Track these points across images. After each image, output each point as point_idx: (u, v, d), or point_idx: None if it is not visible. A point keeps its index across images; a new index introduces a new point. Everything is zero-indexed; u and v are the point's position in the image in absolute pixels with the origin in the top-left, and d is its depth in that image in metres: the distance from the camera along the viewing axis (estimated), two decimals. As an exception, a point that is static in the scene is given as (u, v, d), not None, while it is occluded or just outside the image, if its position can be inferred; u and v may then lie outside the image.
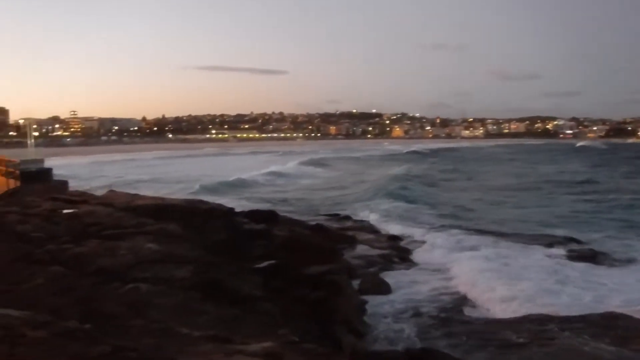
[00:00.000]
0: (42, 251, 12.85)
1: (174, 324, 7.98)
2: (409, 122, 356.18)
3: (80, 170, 68.58)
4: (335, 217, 32.89)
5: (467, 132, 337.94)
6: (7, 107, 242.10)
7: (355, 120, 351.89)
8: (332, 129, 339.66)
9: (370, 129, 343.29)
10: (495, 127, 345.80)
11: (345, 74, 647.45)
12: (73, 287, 10.48)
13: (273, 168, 69.48)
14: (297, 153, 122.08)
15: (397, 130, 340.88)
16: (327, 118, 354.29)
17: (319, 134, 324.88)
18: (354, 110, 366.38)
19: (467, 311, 16.24)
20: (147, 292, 10.56)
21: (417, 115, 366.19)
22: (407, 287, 18.53)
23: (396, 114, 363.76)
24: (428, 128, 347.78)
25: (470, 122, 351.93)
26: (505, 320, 15.05)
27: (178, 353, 6.23)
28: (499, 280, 18.07)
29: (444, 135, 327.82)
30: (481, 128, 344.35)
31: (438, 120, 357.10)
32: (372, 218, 32.14)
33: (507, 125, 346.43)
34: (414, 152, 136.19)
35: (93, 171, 70.50)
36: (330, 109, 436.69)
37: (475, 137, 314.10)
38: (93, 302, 9.58)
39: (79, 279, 11.18)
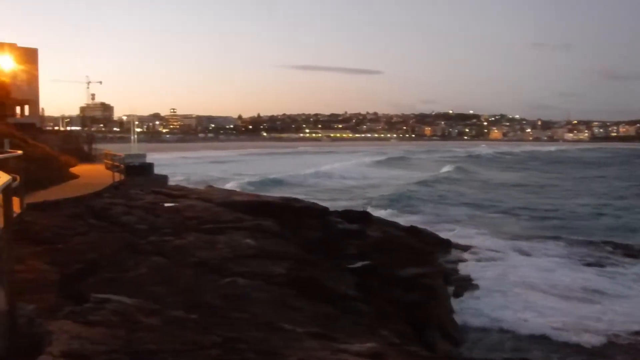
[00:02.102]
0: (145, 242, 13.38)
1: (275, 318, 8.07)
2: (507, 123, 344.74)
3: (176, 165, 71.20)
4: (429, 217, 32.37)
5: (570, 135, 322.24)
6: (112, 104, 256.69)
7: (451, 121, 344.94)
8: (427, 129, 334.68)
9: (467, 130, 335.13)
10: (602, 130, 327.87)
11: (442, 74, 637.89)
12: (174, 277, 10.84)
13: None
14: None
15: (495, 132, 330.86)
16: (422, 119, 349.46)
17: (413, 135, 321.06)
18: (450, 111, 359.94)
19: (573, 333, 15.23)
20: (245, 286, 10.77)
21: (517, 116, 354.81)
22: (505, 295, 17.83)
23: (494, 115, 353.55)
24: (528, 130, 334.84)
25: (575, 124, 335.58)
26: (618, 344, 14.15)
27: (284, 348, 6.28)
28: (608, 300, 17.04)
29: (545, 138, 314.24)
30: (586, 131, 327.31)
31: (539, 122, 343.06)
32: (465, 223, 31.38)
33: (615, 128, 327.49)
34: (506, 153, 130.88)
35: (181, 165, 73.11)
36: (426, 109, 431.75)
37: (580, 141, 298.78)
38: (193, 292, 9.86)
39: (179, 270, 11.56)
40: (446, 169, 75.91)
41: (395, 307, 13.25)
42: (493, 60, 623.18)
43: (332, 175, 65.60)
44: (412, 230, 24.01)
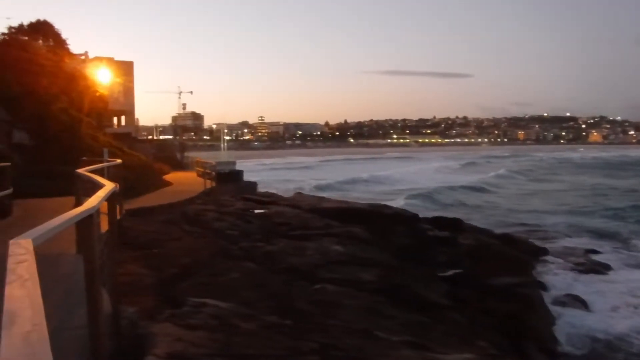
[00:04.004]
0: (237, 247, 13.63)
1: (368, 326, 7.99)
2: (608, 126, 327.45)
3: (263, 172, 72.34)
4: (524, 226, 31.12)
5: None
6: (202, 114, 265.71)
7: (546, 125, 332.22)
8: (520, 133, 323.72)
9: (563, 133, 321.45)
10: None
11: (536, 75, 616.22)
12: (265, 282, 10.96)
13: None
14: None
15: (595, 135, 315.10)
16: (515, 122, 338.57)
17: (505, 139, 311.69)
18: (545, 114, 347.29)
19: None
20: (335, 293, 10.73)
21: (618, 118, 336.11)
22: (607, 307, 16.75)
23: (593, 118, 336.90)
24: (631, 132, 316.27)
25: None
26: None
27: (380, 356, 6.19)
28: None
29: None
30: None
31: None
32: (563, 230, 29.89)
33: None
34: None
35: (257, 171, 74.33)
36: (519, 112, 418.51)
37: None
38: (284, 298, 9.92)
39: (270, 275, 11.69)
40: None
41: (490, 318, 12.78)
42: (592, 59, 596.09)
43: (385, 180, 65.18)
44: (506, 237, 23.15)
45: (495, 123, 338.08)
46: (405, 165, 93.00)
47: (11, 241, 2.50)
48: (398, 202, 36.12)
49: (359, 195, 44.31)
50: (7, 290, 1.67)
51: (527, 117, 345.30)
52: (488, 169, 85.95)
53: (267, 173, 70.80)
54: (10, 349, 1.29)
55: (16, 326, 1.40)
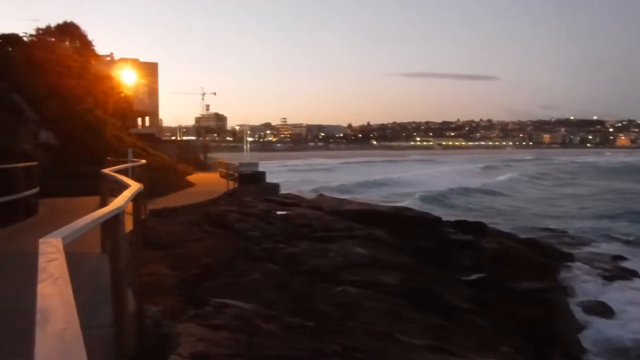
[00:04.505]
0: (259, 249, 13.67)
1: (390, 329, 7.95)
2: (636, 129, 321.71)
3: (283, 174, 72.39)
4: (549, 231, 30.72)
5: None
6: (225, 115, 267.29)
7: (572, 128, 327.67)
8: (546, 137, 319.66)
9: (590, 137, 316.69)
10: None
11: (562, 78, 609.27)
12: (286, 284, 10.97)
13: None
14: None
15: (623, 139, 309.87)
16: (541, 125, 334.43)
17: (530, 143, 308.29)
18: (572, 117, 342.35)
19: None
20: (357, 295, 10.70)
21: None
22: (635, 315, 16.42)
23: (621, 121, 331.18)
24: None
25: None
26: None
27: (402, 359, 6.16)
28: None
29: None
30: None
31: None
32: (589, 236, 29.41)
33: None
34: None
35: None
36: (544, 115, 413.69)
37: None
38: (306, 300, 9.93)
39: (292, 277, 11.69)
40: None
41: (513, 323, 12.64)
42: (619, 62, 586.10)
43: (397, 182, 64.95)
44: (531, 242, 22.89)
45: (521, 126, 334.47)
46: (423, 168, 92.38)
47: (41, 240, 2.53)
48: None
49: (368, 197, 44.08)
50: (39, 289, 1.69)
51: (553, 120, 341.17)
52: (507, 172, 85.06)
53: (286, 175, 70.97)
54: (44, 347, 1.30)
55: (50, 324, 1.42)
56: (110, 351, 4.39)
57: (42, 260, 2.06)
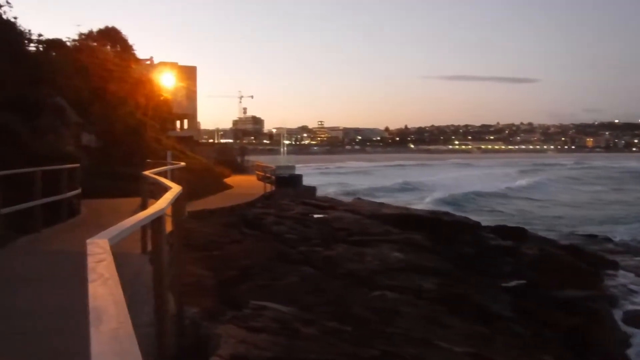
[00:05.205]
0: (295, 252, 13.68)
1: (429, 335, 7.85)
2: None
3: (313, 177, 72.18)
4: (592, 237, 29.92)
5: None
6: (262, 118, 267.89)
7: (617, 132, 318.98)
8: (589, 140, 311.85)
9: (636, 141, 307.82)
10: None
11: (606, 80, 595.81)
12: (323, 287, 10.93)
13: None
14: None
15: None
16: (584, 129, 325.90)
17: (573, 146, 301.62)
18: (616, 120, 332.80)
19: None
20: (394, 300, 10.60)
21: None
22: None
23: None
24: None
25: None
26: None
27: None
28: None
29: None
30: None
31: None
32: (633, 243, 28.55)
33: None
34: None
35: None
36: (587, 118, 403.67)
37: None
38: (343, 304, 9.87)
39: (329, 280, 11.65)
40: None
41: (554, 331, 12.34)
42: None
43: (419, 186, 63.48)
44: (573, 248, 22.33)
45: (563, 130, 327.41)
46: (456, 171, 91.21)
47: (88, 240, 2.56)
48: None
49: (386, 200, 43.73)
50: (91, 289, 1.70)
51: (596, 123, 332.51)
52: (544, 175, 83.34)
53: (318, 178, 71.12)
54: (100, 346, 1.31)
55: (103, 324, 1.43)
56: (151, 351, 4.43)
57: (91, 261, 2.08)
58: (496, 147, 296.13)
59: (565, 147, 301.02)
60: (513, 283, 14.09)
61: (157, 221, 4.43)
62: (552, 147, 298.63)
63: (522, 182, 68.57)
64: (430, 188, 58.75)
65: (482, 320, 10.71)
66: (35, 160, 11.87)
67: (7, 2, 17.96)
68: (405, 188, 60.84)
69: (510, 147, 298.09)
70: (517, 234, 21.33)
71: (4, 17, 18.21)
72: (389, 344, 6.63)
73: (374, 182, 65.28)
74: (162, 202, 4.77)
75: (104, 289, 1.70)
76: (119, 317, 1.48)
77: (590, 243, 27.65)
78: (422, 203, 41.57)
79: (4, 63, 15.12)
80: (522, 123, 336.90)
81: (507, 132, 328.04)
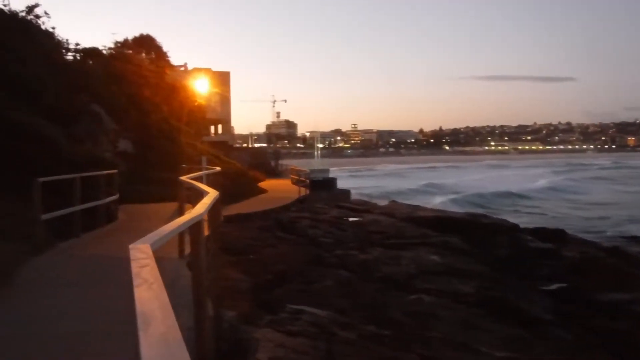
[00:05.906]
0: (331, 255, 13.66)
1: (468, 340, 7.73)
2: None
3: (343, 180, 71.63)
4: (635, 239, 29.07)
5: None
6: (295, 122, 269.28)
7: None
8: (631, 139, 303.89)
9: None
10: None
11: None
12: (358, 291, 10.89)
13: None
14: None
15: None
16: (625, 128, 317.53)
17: (613, 146, 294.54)
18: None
19: None
20: (431, 304, 10.49)
21: None
22: None
23: None
24: None
25: None
26: None
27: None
28: None
29: None
30: None
31: None
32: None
33: None
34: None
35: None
36: (629, 117, 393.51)
37: None
38: (379, 308, 9.80)
39: (364, 284, 11.59)
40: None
41: (597, 336, 12.01)
42: None
43: (441, 187, 62.28)
44: (615, 250, 21.73)
45: (602, 129, 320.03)
46: (487, 172, 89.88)
47: (131, 246, 2.57)
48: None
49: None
50: (137, 293, 1.70)
51: (638, 122, 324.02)
52: (582, 173, 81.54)
53: (346, 181, 70.87)
54: (150, 350, 1.31)
55: (152, 328, 1.43)
56: (191, 355, 4.44)
57: (134, 266, 2.09)
58: (534, 147, 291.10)
59: (606, 146, 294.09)
60: (554, 286, 13.78)
61: (195, 226, 4.44)
62: (591, 146, 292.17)
63: (543, 182, 67.37)
64: (449, 190, 58.14)
65: (521, 324, 10.51)
66: (74, 167, 12.09)
67: (46, 13, 18.46)
68: (426, 191, 60.07)
69: (548, 147, 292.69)
70: (557, 236, 20.87)
71: (43, 27, 18.70)
72: (427, 349, 6.55)
73: (398, 184, 64.55)
74: (201, 207, 4.79)
75: (149, 293, 1.70)
76: (166, 321, 1.48)
77: (633, 244, 26.88)
78: (431, 204, 41.13)
79: (43, 72, 15.47)
80: (560, 123, 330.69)
81: (544, 132, 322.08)
